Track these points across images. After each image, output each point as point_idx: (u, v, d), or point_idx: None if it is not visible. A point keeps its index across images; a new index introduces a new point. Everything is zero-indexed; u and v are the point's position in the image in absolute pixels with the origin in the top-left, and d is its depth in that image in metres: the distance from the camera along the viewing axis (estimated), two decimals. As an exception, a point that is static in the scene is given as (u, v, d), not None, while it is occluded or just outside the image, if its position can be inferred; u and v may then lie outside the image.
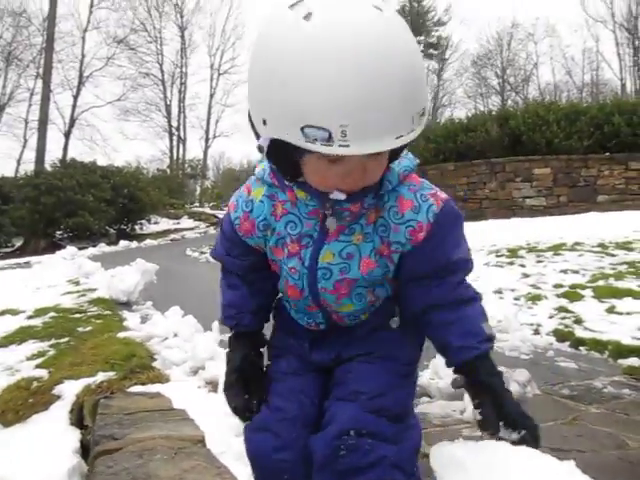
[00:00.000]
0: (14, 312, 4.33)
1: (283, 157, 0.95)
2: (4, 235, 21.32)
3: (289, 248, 1.11)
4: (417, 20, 32.22)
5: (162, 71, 34.57)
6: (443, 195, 1.09)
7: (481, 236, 7.89)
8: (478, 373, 1.05)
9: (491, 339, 1.07)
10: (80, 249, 12.27)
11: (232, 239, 1.19)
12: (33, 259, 11.39)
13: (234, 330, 1.23)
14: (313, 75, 0.84)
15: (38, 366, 2.89)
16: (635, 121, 11.24)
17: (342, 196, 0.98)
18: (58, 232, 20.61)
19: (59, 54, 28.16)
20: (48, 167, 22.98)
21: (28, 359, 3.05)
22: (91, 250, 13.72)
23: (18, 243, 21.06)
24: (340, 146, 0.85)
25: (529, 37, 34.52)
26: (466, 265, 1.12)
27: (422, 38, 33.14)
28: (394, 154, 1.00)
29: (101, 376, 2.58)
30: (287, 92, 0.86)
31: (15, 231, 20.91)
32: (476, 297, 1.11)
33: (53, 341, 3.38)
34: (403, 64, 0.86)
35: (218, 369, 2.49)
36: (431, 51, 34.23)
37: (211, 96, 36.13)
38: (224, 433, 1.75)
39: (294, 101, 0.86)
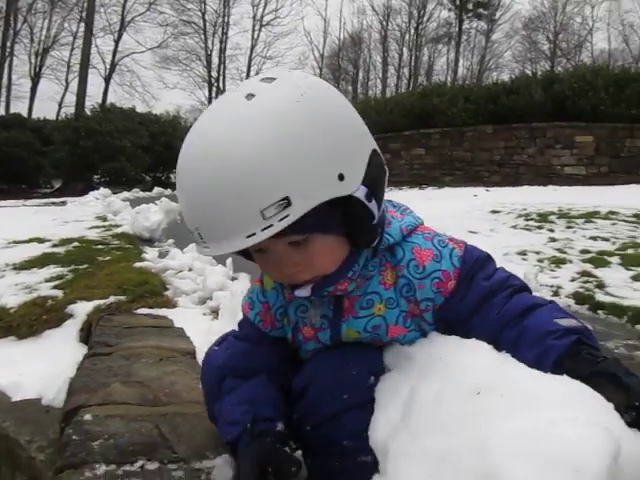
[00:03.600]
0: (40, 240, 4.46)
1: None
2: (43, 176, 21.90)
3: (304, 332, 1.05)
4: (468, -23, 30.89)
5: (204, 20, 34.00)
6: (460, 239, 1.03)
7: (512, 198, 7.73)
8: (580, 371, 0.76)
9: (575, 331, 0.85)
10: (114, 193, 12.49)
11: (258, 341, 1.11)
12: (69, 199, 11.66)
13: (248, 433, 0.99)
14: (178, 176, 0.88)
15: (55, 287, 2.98)
16: (689, 91, 10.66)
17: (305, 293, 0.95)
18: (95, 176, 21.03)
19: (102, -3, 28.14)
20: (88, 111, 23.27)
21: (47, 281, 3.14)
22: (125, 194, 13.93)
23: (57, 185, 21.59)
24: (204, 247, 0.86)
25: (586, 0, 32.76)
26: (505, 278, 0.99)
27: (472, -4, 31.84)
28: (364, 234, 0.92)
29: (112, 299, 2.65)
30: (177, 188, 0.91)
31: (54, 173, 21.43)
32: (531, 294, 0.99)
33: (72, 267, 3.47)
34: (229, 165, 0.80)
35: (225, 299, 2.55)
36: (480, 11, 32.89)
37: (252, 48, 35.58)
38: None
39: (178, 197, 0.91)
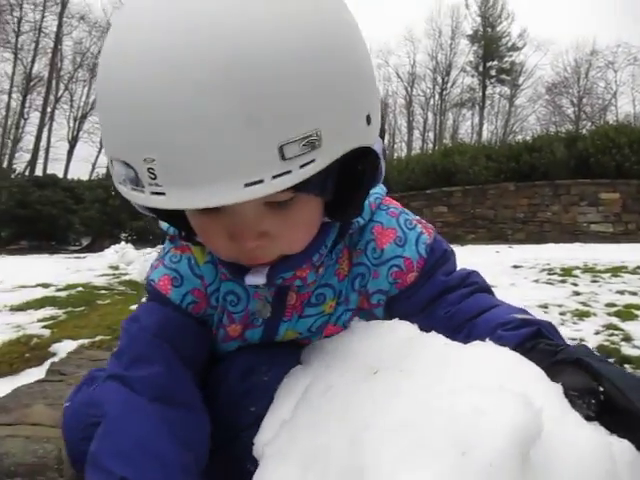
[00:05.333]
0: (46, 285, 4.43)
1: None
2: (73, 234, 22.41)
3: (229, 330, 0.81)
4: (490, 45, 31.73)
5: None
6: (429, 224, 0.86)
7: (536, 254, 7.51)
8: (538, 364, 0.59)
9: (534, 323, 0.70)
10: (137, 249, 12.61)
11: (180, 334, 0.79)
12: (91, 254, 11.80)
13: None
14: (114, 78, 0.54)
15: (45, 327, 2.89)
16: None
17: (259, 280, 0.70)
18: (123, 234, 21.41)
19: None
20: (119, 172, 24.03)
21: (39, 321, 3.07)
22: (148, 249, 14.06)
23: (86, 242, 22.03)
24: (152, 193, 0.54)
25: (609, 65, 33.20)
26: (466, 274, 0.84)
27: (495, 63, 32.59)
28: (355, 204, 0.69)
29: (98, 338, 2.54)
30: (98, 105, 0.59)
31: (84, 230, 21.91)
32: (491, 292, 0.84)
33: (69, 309, 3.40)
34: (243, 54, 0.49)
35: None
36: (503, 77, 33.53)
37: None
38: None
39: (102, 119, 0.58)
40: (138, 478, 0.60)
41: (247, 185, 0.52)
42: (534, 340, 0.65)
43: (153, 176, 0.53)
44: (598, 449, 0.41)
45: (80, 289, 4.21)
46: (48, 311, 3.33)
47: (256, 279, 0.70)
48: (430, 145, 36.16)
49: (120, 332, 0.83)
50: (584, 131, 12.98)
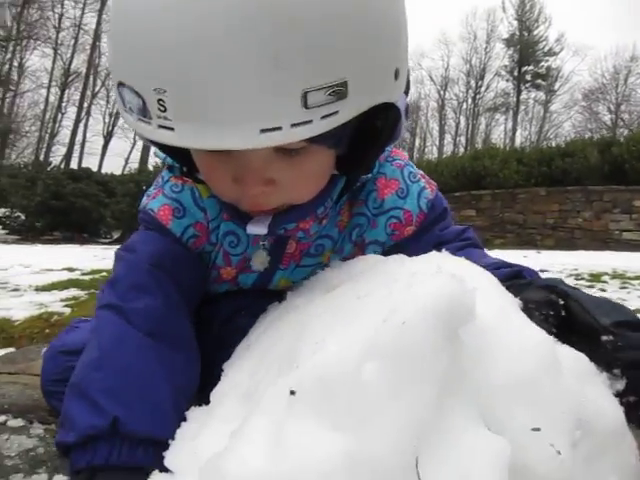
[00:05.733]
0: (71, 269, 4.53)
1: None
2: (104, 226, 22.92)
3: (222, 272, 0.80)
4: (526, 49, 31.27)
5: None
6: (432, 181, 0.85)
7: (564, 260, 7.36)
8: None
9: (513, 266, 0.69)
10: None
11: (179, 266, 0.78)
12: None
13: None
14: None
15: (66, 305, 2.95)
16: None
17: (261, 230, 0.68)
18: (152, 228, 21.83)
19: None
20: (150, 167, 24.51)
21: (62, 300, 3.13)
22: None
23: (116, 235, 22.50)
24: (160, 127, 0.52)
25: (649, 72, 32.37)
26: (461, 230, 0.82)
27: (530, 68, 32.10)
28: (368, 160, 0.68)
29: (116, 317, 2.59)
30: (111, 28, 0.56)
31: (115, 224, 22.39)
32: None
33: (92, 291, 3.45)
34: None
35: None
36: (539, 82, 33.00)
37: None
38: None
39: (114, 42, 0.55)
40: (128, 418, 0.59)
41: (263, 131, 0.49)
42: (513, 279, 0.63)
43: (163, 108, 0.50)
44: (542, 345, 0.40)
45: (104, 274, 4.28)
46: (71, 292, 3.40)
47: (257, 229, 0.69)
48: (462, 149, 35.83)
49: (114, 261, 0.80)
50: (621, 139, 12.66)
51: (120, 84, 0.54)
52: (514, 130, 34.29)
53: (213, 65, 0.47)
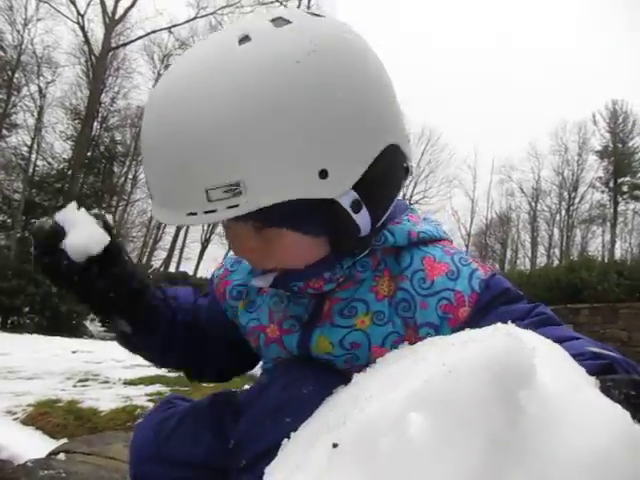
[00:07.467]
0: (159, 366, 4.67)
1: None
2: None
3: (268, 332, 0.85)
4: (622, 161, 30.60)
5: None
6: (488, 265, 0.83)
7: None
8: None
9: (607, 357, 0.60)
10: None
11: (210, 304, 0.99)
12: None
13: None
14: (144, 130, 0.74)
15: (149, 400, 3.02)
16: None
17: (263, 283, 0.79)
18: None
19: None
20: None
21: (146, 395, 3.21)
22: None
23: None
24: (153, 207, 0.74)
25: None
26: (532, 306, 0.77)
27: (627, 179, 31.17)
28: (349, 243, 0.74)
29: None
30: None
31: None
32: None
33: (176, 387, 3.53)
34: (182, 120, 0.65)
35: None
36: (637, 192, 31.82)
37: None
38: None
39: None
40: None
41: (188, 214, 0.67)
42: (607, 371, 0.56)
43: (151, 196, 0.73)
44: (618, 420, 0.35)
45: (189, 372, 4.39)
46: (156, 387, 3.50)
47: (260, 282, 0.79)
48: (556, 262, 34.47)
49: None
50: None
51: None
52: (612, 242, 32.72)
53: (155, 170, 0.70)
